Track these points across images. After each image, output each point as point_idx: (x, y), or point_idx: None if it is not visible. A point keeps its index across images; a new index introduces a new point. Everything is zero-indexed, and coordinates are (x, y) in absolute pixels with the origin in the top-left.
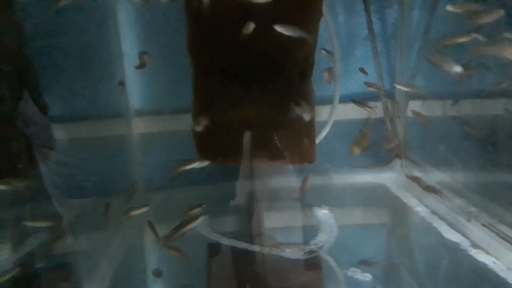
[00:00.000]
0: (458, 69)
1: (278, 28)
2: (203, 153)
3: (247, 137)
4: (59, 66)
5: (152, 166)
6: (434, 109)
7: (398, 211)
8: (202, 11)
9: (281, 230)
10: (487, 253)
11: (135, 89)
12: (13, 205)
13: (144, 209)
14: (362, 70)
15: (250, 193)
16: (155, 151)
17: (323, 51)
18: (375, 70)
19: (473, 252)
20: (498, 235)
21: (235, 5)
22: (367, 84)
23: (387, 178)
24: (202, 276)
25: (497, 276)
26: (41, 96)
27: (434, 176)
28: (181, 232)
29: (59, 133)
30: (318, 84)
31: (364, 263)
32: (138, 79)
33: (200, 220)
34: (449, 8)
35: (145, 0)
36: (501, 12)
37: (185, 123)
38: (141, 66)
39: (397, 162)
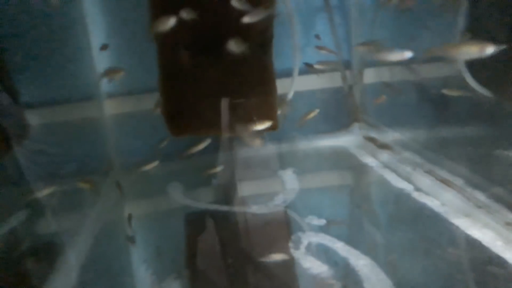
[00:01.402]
0: (408, 54)
1: (235, 4)
2: (174, 129)
3: (224, 108)
4: (27, 52)
5: (125, 145)
6: (385, 74)
7: (355, 167)
8: None
9: (253, 195)
10: (427, 194)
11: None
12: None
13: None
14: (317, 36)
15: (228, 163)
16: (128, 130)
17: None
18: (333, 41)
19: (415, 194)
20: (436, 179)
21: None
22: (318, 47)
23: (347, 140)
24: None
25: (432, 210)
26: (11, 82)
27: (388, 136)
28: None
29: (32, 119)
30: (282, 57)
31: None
32: (106, 60)
33: None
34: None
35: None
36: None
37: (154, 101)
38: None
39: (355, 126)
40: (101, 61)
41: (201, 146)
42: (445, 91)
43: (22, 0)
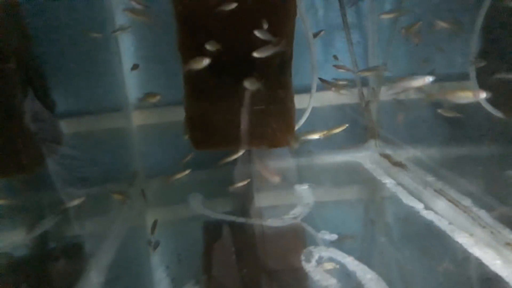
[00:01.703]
0: (429, 79)
1: (257, 34)
2: (197, 142)
3: (244, 124)
4: (66, 68)
5: (151, 155)
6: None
7: (369, 185)
8: (189, 15)
9: (269, 207)
10: (436, 213)
11: (133, 84)
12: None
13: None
14: (334, 56)
15: (247, 176)
16: (154, 141)
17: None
18: (350, 59)
19: (424, 213)
20: (445, 198)
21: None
22: (336, 66)
23: (363, 156)
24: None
25: (438, 229)
26: (49, 94)
27: (403, 153)
28: None
29: (66, 128)
30: (301, 74)
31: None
32: (135, 74)
33: None
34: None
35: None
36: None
37: (179, 114)
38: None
39: (371, 142)
40: (129, 75)
41: (234, 156)
42: (440, 111)
43: (65, 25)
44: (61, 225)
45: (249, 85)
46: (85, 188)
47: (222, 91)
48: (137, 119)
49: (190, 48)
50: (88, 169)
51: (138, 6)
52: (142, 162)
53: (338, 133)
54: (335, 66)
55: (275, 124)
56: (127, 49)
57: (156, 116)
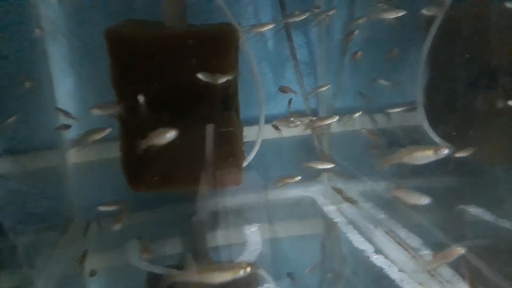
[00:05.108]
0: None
1: (200, 76)
2: (134, 183)
3: (185, 163)
4: None
5: (88, 195)
6: (349, 123)
7: (320, 224)
8: (123, 50)
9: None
10: (386, 257)
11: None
12: None
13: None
14: (281, 88)
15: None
16: (92, 180)
17: None
18: (300, 91)
19: (374, 257)
20: (395, 240)
21: (156, 44)
22: (281, 88)
23: (316, 191)
24: None
25: (388, 277)
26: None
27: (355, 186)
28: None
29: None
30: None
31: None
32: (70, 110)
33: None
34: None
35: None
36: None
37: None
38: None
39: (324, 175)
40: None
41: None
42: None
43: None
44: None
45: None
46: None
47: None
48: (74, 156)
49: (125, 84)
50: (12, 217)
51: None
52: (78, 204)
53: (293, 166)
54: (280, 88)
55: (219, 163)
56: (61, 82)
57: (93, 153)
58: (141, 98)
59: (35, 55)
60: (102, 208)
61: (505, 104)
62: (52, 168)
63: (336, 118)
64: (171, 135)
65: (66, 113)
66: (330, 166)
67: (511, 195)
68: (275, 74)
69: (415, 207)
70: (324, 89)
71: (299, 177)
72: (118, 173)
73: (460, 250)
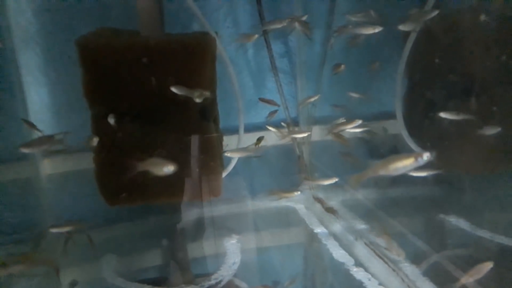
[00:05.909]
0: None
1: (174, 90)
2: (109, 198)
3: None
4: None
5: (63, 208)
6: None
7: (301, 235)
8: (95, 61)
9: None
10: (366, 270)
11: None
12: None
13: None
14: (261, 99)
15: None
16: (66, 192)
17: None
18: (280, 101)
19: (354, 270)
20: (375, 252)
21: (129, 53)
22: (261, 99)
23: (298, 200)
24: None
25: None
26: None
27: (335, 196)
28: None
29: None
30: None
31: None
32: (43, 119)
33: None
34: None
35: None
36: None
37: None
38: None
39: (306, 185)
40: (37, 121)
41: None
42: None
43: None
44: None
45: None
46: None
47: (134, 141)
48: (47, 168)
49: (96, 94)
50: None
51: None
52: (51, 217)
53: (275, 176)
54: (260, 99)
55: (198, 173)
56: (33, 92)
57: (69, 164)
58: (111, 120)
59: (5, 64)
60: (53, 230)
61: (482, 113)
62: (24, 180)
63: (359, 122)
64: (168, 169)
65: (31, 125)
66: (334, 181)
67: (490, 204)
68: (256, 83)
69: (396, 215)
70: (313, 99)
71: (299, 192)
72: (93, 184)
73: (489, 265)
